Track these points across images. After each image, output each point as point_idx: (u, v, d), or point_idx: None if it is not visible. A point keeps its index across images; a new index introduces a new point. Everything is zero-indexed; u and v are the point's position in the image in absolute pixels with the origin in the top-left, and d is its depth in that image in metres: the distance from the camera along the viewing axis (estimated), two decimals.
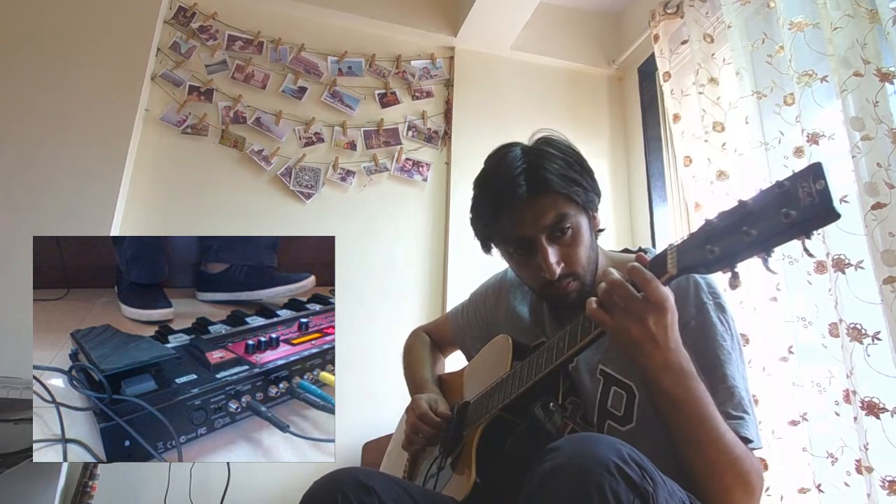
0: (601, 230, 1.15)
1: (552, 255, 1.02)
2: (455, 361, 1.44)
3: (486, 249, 1.14)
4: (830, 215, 0.63)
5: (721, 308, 1.02)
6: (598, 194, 1.11)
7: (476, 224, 1.12)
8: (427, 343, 1.48)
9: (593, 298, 0.85)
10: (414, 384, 1.39)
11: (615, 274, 0.83)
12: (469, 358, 1.38)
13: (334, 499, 0.92)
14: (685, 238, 0.79)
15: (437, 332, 1.50)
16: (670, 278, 0.80)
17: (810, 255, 0.67)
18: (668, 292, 0.82)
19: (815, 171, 0.64)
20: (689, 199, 2.26)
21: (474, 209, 1.12)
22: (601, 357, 1.05)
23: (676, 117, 2.38)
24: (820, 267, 1.67)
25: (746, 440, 0.92)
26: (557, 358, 0.93)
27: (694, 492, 0.90)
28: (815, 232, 0.66)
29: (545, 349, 0.98)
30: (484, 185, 1.11)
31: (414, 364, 1.43)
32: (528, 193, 1.02)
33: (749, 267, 0.74)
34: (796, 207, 0.65)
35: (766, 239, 0.68)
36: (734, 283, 0.73)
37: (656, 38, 2.51)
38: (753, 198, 0.71)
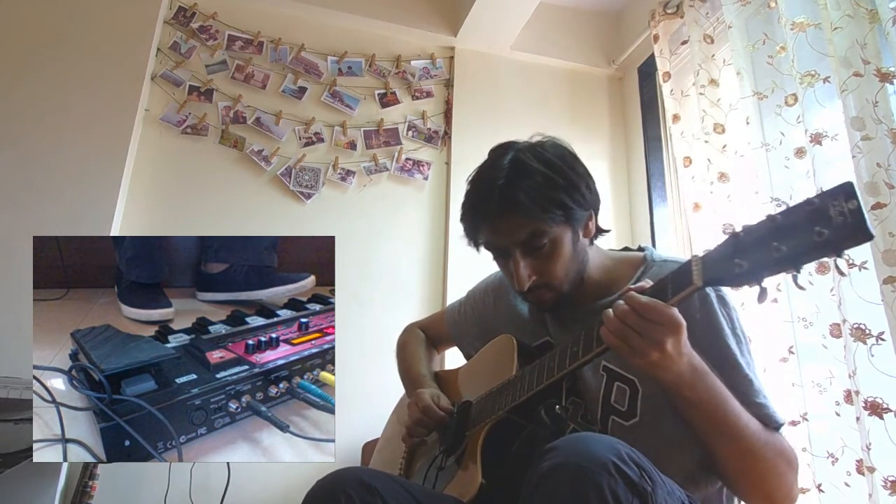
0: (604, 231, 1.15)
1: (524, 268, 1.03)
2: (452, 359, 1.44)
3: (476, 248, 1.15)
4: (864, 235, 0.62)
5: (723, 301, 1.02)
6: (591, 205, 1.09)
7: (462, 223, 1.13)
8: (422, 339, 1.48)
9: (605, 327, 0.84)
10: (410, 380, 1.38)
11: (623, 304, 0.83)
12: (467, 355, 1.38)
13: (337, 499, 0.92)
14: (710, 250, 0.78)
15: (433, 329, 1.50)
16: (695, 290, 0.79)
17: (843, 273, 0.67)
18: (675, 311, 0.81)
19: (847, 190, 0.63)
20: (689, 200, 2.25)
21: (461, 209, 1.13)
22: None
23: (676, 118, 2.37)
24: (821, 267, 1.66)
25: (778, 426, 0.94)
26: (571, 363, 0.93)
27: (729, 484, 0.92)
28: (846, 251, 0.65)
29: (557, 353, 0.97)
30: (470, 188, 1.11)
31: (409, 360, 1.43)
32: (501, 211, 1.03)
33: None
34: (829, 226, 0.64)
35: (797, 256, 0.67)
36: (762, 298, 0.72)
37: (656, 38, 2.51)
38: (782, 213, 0.70)
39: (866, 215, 0.62)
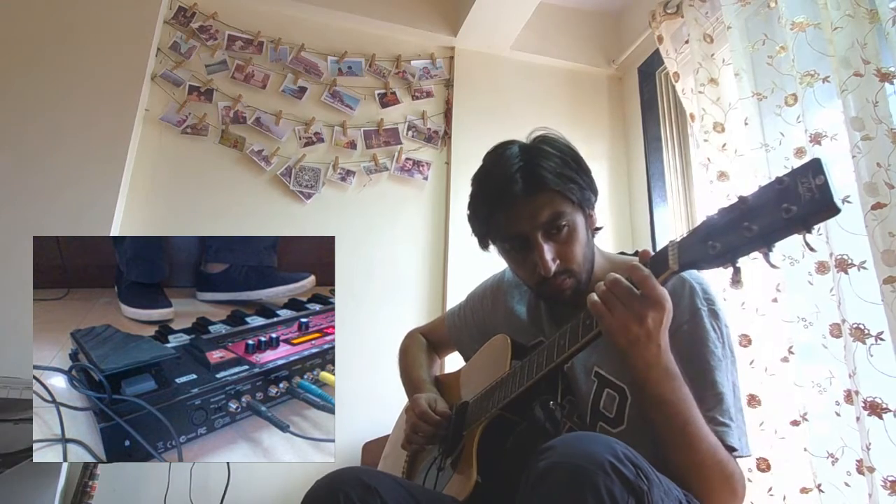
0: (598, 228, 1.15)
1: (548, 251, 1.02)
2: (452, 363, 1.44)
3: (484, 246, 1.14)
4: (831, 210, 0.64)
5: (715, 315, 1.01)
6: (595, 193, 1.11)
7: (473, 221, 1.13)
8: (423, 344, 1.49)
9: (594, 294, 0.85)
10: (411, 385, 1.39)
11: (615, 273, 0.84)
12: (467, 359, 1.38)
13: (336, 498, 0.92)
14: (686, 234, 0.79)
15: (434, 334, 1.50)
16: (672, 274, 0.80)
17: (812, 249, 0.68)
18: (665, 291, 0.82)
19: (815, 166, 0.65)
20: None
21: (471, 206, 1.12)
22: (597, 359, 1.05)
23: (693, 117, 2.30)
24: (821, 267, 1.66)
25: (731, 448, 0.92)
26: (558, 356, 0.94)
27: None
28: (815, 227, 0.66)
29: (545, 348, 0.98)
30: (481, 182, 1.11)
31: (410, 365, 1.43)
32: (524, 191, 1.02)
33: (751, 267, 0.74)
34: (797, 203, 0.65)
35: (768, 234, 0.68)
36: (736, 278, 0.74)
37: (660, 39, 2.49)
38: (753, 194, 0.71)
39: (833, 190, 0.63)
